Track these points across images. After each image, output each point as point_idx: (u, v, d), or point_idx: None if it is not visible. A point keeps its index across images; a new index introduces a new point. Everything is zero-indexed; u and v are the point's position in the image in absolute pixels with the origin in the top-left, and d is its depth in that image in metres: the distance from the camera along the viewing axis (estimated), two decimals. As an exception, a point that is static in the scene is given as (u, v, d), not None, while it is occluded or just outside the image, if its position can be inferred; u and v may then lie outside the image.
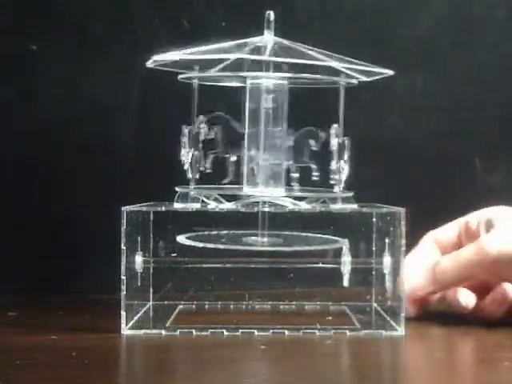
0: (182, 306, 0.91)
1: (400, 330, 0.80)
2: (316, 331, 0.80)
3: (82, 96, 1.04)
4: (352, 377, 0.70)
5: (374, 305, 0.89)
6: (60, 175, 1.02)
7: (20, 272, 1.00)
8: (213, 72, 0.83)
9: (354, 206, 0.82)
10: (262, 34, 0.84)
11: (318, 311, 0.92)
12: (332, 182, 0.83)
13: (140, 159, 1.03)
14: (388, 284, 0.84)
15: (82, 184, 1.02)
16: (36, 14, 1.03)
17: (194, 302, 0.92)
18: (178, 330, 0.80)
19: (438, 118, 1.10)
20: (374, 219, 0.86)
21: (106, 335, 0.79)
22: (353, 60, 0.82)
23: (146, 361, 0.74)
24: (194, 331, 0.79)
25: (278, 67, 0.82)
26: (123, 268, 0.79)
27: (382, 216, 0.84)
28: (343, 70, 0.82)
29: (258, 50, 0.82)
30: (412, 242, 0.87)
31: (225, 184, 0.84)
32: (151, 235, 0.88)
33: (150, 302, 0.89)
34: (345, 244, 0.85)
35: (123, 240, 0.79)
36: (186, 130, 0.83)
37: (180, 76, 0.85)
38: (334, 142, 0.82)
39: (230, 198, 0.83)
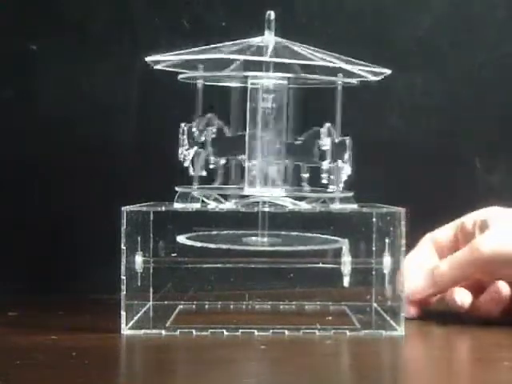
0: (181, 306, 0.91)
1: (400, 330, 0.80)
2: (316, 331, 0.80)
3: (81, 96, 1.04)
4: (352, 377, 0.70)
5: (374, 305, 0.89)
6: (60, 175, 1.02)
7: (20, 272, 1.00)
8: (213, 72, 0.83)
9: (354, 206, 0.82)
10: (262, 34, 0.84)
11: (318, 311, 0.92)
12: (324, 181, 0.83)
13: (140, 159, 1.03)
14: (388, 284, 0.84)
15: (82, 184, 1.02)
16: (36, 14, 1.03)
17: (194, 302, 0.92)
18: (178, 330, 0.80)
19: (438, 118, 1.10)
20: (374, 219, 0.86)
21: (106, 335, 0.79)
22: (354, 60, 0.82)
23: (145, 361, 0.74)
24: (194, 331, 0.79)
25: (278, 67, 0.82)
26: (123, 268, 0.79)
27: (382, 216, 0.84)
28: (356, 71, 0.82)
29: (259, 50, 0.82)
30: (412, 242, 0.87)
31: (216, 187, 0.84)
32: (151, 235, 0.88)
33: (150, 302, 0.89)
34: (345, 244, 0.85)
35: (123, 240, 0.79)
36: (185, 128, 0.83)
37: (180, 76, 0.85)
38: (325, 142, 0.82)
39: (230, 198, 0.83)
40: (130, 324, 0.80)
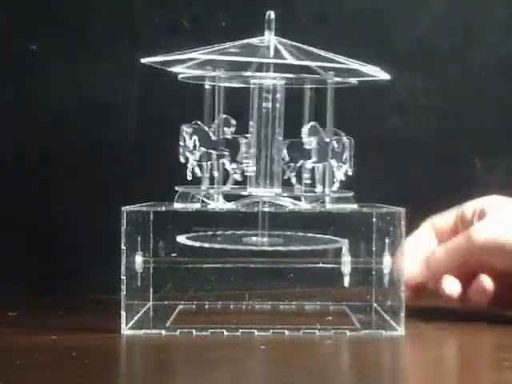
0: (181, 306, 0.91)
1: (400, 330, 0.80)
2: (316, 331, 0.80)
3: (82, 96, 1.04)
4: (352, 377, 0.70)
5: (374, 305, 0.89)
6: (60, 175, 1.02)
7: (20, 272, 1.00)
8: (213, 73, 0.83)
9: (354, 206, 0.82)
10: (262, 34, 0.84)
11: (318, 311, 0.92)
12: (306, 181, 0.82)
13: (140, 159, 1.03)
14: (388, 284, 0.84)
15: (82, 184, 1.02)
16: (36, 14, 1.03)
17: (194, 302, 0.92)
18: (178, 330, 0.80)
19: (438, 118, 1.10)
20: (374, 219, 0.86)
21: (106, 335, 0.79)
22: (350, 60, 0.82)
23: (145, 361, 0.74)
24: (194, 331, 0.79)
25: (278, 68, 0.82)
26: (123, 268, 0.79)
27: (382, 216, 0.84)
28: (362, 68, 0.81)
29: (260, 50, 0.82)
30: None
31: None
32: (151, 235, 0.88)
33: (150, 302, 0.89)
34: (345, 244, 0.85)
35: (123, 240, 0.79)
36: (189, 129, 0.83)
37: (180, 76, 0.85)
38: (307, 141, 0.82)
39: (230, 197, 0.83)
40: (130, 324, 0.80)
